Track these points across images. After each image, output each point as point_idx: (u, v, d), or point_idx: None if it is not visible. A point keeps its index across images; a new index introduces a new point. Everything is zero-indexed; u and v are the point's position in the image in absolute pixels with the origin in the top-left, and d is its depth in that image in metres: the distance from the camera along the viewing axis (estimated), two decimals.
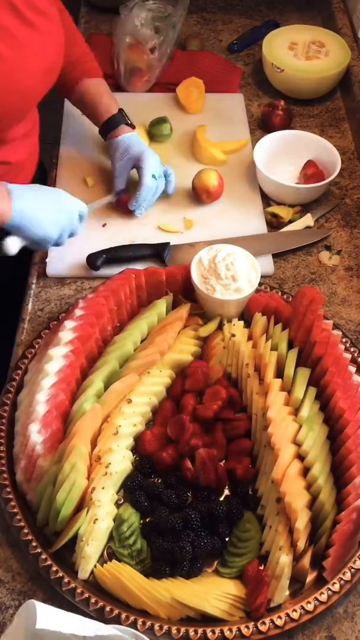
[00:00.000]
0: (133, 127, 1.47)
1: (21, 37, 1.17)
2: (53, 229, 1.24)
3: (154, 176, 1.42)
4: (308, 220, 1.48)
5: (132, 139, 1.44)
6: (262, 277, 1.26)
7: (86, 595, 0.99)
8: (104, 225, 1.45)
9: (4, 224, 1.18)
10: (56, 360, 1.14)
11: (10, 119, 1.24)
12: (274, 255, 1.43)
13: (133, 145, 1.43)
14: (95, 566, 1.01)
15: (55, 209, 1.24)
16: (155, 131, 1.62)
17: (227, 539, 1.04)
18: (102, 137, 1.49)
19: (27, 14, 1.17)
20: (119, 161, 1.44)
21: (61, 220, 1.25)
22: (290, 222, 1.48)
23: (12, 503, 1.06)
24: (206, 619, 0.98)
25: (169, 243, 1.41)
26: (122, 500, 1.09)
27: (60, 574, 1.00)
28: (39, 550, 1.02)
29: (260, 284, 1.28)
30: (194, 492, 1.08)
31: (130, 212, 1.45)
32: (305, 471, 1.05)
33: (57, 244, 1.29)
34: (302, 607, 0.98)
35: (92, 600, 0.98)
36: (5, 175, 1.28)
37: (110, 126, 1.45)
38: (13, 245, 1.22)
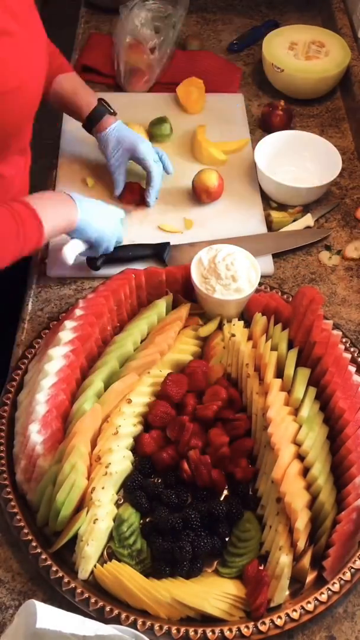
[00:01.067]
0: (115, 114, 1.46)
1: (22, 40, 1.15)
2: (109, 232, 1.31)
3: (155, 161, 1.44)
4: (308, 220, 1.48)
5: (121, 129, 1.44)
6: (262, 277, 1.26)
7: (86, 595, 0.99)
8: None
9: (72, 229, 1.25)
10: (56, 360, 1.14)
11: (17, 125, 1.22)
12: (274, 255, 1.43)
13: (123, 136, 1.43)
14: (95, 566, 1.01)
15: (106, 215, 1.31)
16: (155, 131, 1.62)
17: (227, 539, 1.04)
18: (87, 131, 1.47)
19: (22, 16, 1.16)
20: (113, 156, 1.44)
21: (112, 224, 1.32)
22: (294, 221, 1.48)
23: (12, 503, 1.06)
24: (206, 619, 0.98)
25: (168, 243, 1.41)
26: (122, 500, 1.09)
27: (60, 574, 1.00)
28: (39, 550, 1.02)
29: (260, 284, 1.28)
30: (193, 492, 1.08)
31: (133, 205, 1.48)
32: (305, 471, 1.05)
33: (107, 248, 1.33)
34: (302, 607, 0.98)
35: (92, 600, 0.98)
36: None
37: (94, 119, 1.43)
38: (74, 248, 1.28)
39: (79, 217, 1.24)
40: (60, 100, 1.44)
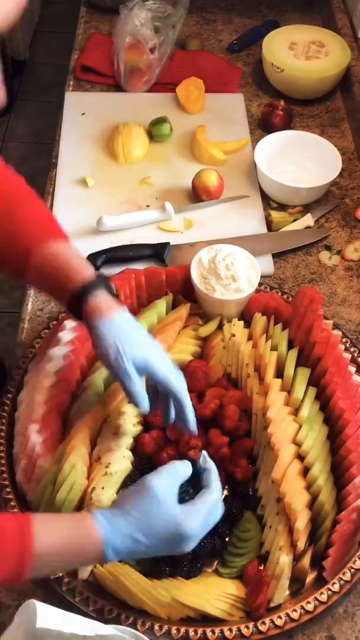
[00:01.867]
0: (117, 296, 1.02)
1: None
2: (161, 549, 0.90)
3: (175, 373, 1.01)
4: (308, 220, 1.48)
5: (126, 327, 0.97)
6: (262, 277, 1.26)
7: (86, 595, 0.99)
8: None
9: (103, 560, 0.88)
10: (56, 360, 1.14)
11: None
12: (274, 255, 1.43)
13: (132, 342, 0.96)
14: (95, 566, 1.01)
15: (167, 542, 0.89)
16: (155, 131, 1.62)
17: (227, 539, 1.04)
18: (72, 314, 1.01)
19: None
20: (121, 367, 0.96)
21: (168, 541, 0.89)
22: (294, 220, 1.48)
23: (12, 503, 1.06)
24: (206, 619, 0.98)
25: (168, 243, 1.41)
26: None
27: (60, 574, 1.00)
28: None
29: (260, 284, 1.28)
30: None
31: None
32: (305, 471, 1.05)
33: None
34: (302, 607, 0.98)
35: (92, 600, 0.98)
36: None
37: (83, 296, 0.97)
38: None
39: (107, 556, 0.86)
40: (38, 275, 1.02)
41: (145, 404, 0.98)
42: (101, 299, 0.97)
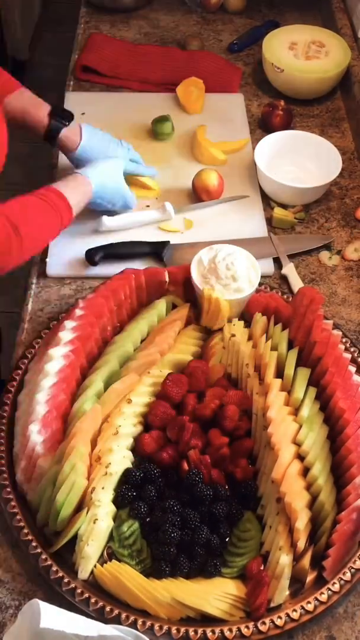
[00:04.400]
0: (70, 118, 1.40)
1: None
2: (117, 193, 1.40)
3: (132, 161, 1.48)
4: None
5: (89, 146, 1.43)
6: (262, 277, 1.26)
7: (86, 595, 0.99)
8: None
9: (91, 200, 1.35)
10: (56, 360, 1.14)
11: None
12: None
13: (95, 153, 1.42)
14: (95, 566, 1.01)
15: (112, 176, 1.38)
16: (157, 129, 1.62)
17: (227, 539, 1.04)
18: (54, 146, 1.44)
19: None
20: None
21: (118, 181, 1.40)
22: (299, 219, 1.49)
23: (12, 503, 1.06)
24: (206, 619, 0.98)
25: (168, 242, 1.41)
26: None
27: (60, 574, 1.00)
28: (39, 550, 1.02)
29: (260, 284, 1.28)
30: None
31: None
32: (305, 471, 1.05)
33: (124, 204, 1.42)
34: (302, 607, 0.98)
35: (92, 600, 0.98)
36: None
37: (52, 140, 1.39)
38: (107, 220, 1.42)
39: (94, 191, 1.33)
40: (15, 125, 1.37)
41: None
42: (63, 135, 1.39)
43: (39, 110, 1.37)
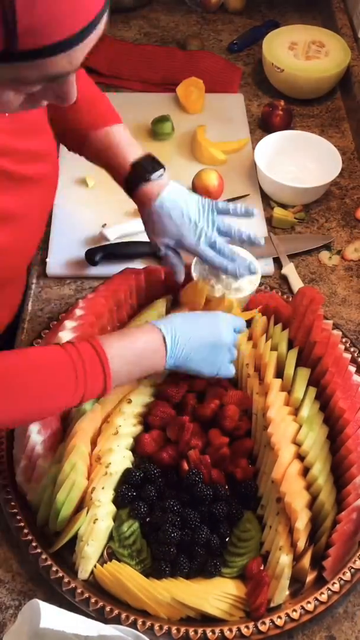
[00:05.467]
0: (161, 168, 1.14)
1: (22, 196, 0.95)
2: (209, 369, 1.08)
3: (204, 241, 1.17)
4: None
5: (173, 200, 1.12)
6: (262, 277, 1.26)
7: (86, 595, 0.99)
8: (103, 225, 1.45)
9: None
10: None
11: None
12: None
13: (176, 209, 1.12)
14: (95, 566, 1.01)
15: (210, 347, 1.06)
16: (157, 129, 1.62)
17: (227, 539, 1.04)
18: (128, 194, 1.16)
19: (22, 169, 0.94)
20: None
21: (218, 359, 1.07)
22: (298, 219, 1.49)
23: (12, 503, 1.06)
24: (206, 619, 0.98)
25: None
26: None
27: (60, 574, 1.00)
28: (39, 550, 1.02)
29: (260, 284, 1.28)
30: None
31: None
32: (305, 471, 1.05)
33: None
34: (302, 607, 0.98)
35: (92, 600, 0.98)
36: None
37: (131, 184, 1.13)
38: None
39: (167, 365, 1.02)
40: (98, 163, 1.19)
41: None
42: (147, 187, 1.12)
43: (127, 153, 1.14)
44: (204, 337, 1.05)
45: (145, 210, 1.14)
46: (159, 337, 1.01)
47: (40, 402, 0.93)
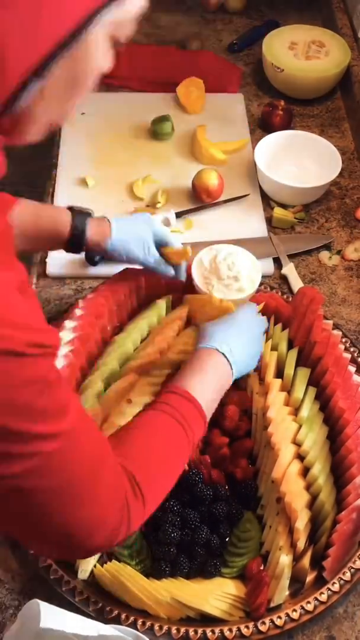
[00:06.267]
0: (89, 212, 1.18)
1: None
2: (255, 363, 1.14)
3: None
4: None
5: (121, 239, 1.17)
6: (262, 277, 1.26)
7: (86, 595, 0.99)
8: None
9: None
10: (56, 360, 1.13)
11: None
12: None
13: (129, 241, 1.18)
14: (95, 566, 1.01)
15: (251, 346, 1.11)
16: (157, 129, 1.62)
17: (227, 539, 1.04)
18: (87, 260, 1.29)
19: None
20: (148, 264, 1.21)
21: (258, 351, 1.14)
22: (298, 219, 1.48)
23: None
24: (206, 619, 0.98)
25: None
26: None
27: (60, 574, 1.00)
28: None
29: (260, 284, 1.28)
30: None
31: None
32: (305, 471, 1.05)
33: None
34: (302, 607, 0.98)
35: (92, 600, 0.98)
36: None
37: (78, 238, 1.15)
38: None
39: (233, 379, 1.07)
40: (27, 241, 1.11)
41: (169, 271, 1.22)
42: (91, 234, 1.15)
43: (56, 214, 1.15)
44: (248, 339, 1.11)
45: (100, 253, 1.22)
46: (222, 359, 1.05)
47: (177, 471, 0.95)
